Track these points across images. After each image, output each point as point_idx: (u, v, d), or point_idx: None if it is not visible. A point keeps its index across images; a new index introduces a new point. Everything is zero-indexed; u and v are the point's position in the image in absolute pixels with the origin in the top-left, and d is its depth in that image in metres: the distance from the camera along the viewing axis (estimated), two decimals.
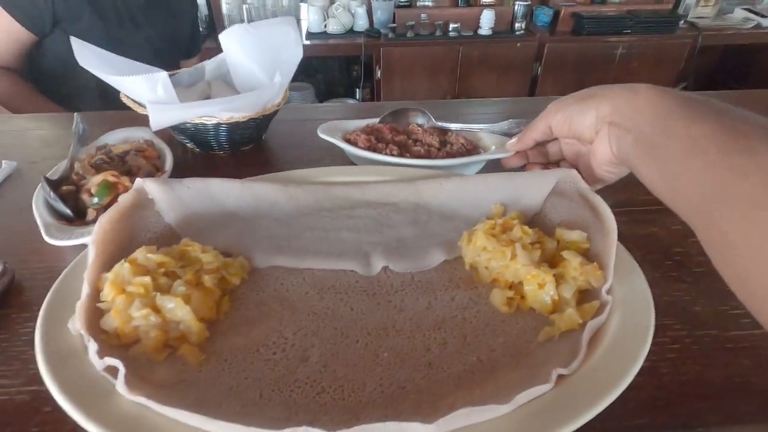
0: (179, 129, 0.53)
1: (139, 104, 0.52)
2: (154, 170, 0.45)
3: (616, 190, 0.48)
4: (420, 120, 0.53)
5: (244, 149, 0.58)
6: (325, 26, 2.15)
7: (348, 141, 0.49)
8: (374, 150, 0.46)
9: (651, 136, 0.29)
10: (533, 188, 0.39)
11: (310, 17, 2.18)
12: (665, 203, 0.29)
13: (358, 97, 2.27)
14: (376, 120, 0.54)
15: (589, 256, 0.33)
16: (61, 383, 0.24)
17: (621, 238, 0.40)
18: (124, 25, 0.91)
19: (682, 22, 2.15)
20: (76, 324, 0.28)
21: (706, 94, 0.72)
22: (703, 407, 0.27)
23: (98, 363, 0.25)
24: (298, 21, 2.35)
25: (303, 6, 2.30)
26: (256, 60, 0.56)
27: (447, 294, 0.33)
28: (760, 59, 2.29)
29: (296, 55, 0.55)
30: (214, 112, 0.48)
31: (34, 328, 0.31)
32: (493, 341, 0.29)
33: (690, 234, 0.41)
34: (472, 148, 0.49)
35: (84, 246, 0.36)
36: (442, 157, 0.46)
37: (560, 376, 0.25)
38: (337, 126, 0.51)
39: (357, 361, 0.28)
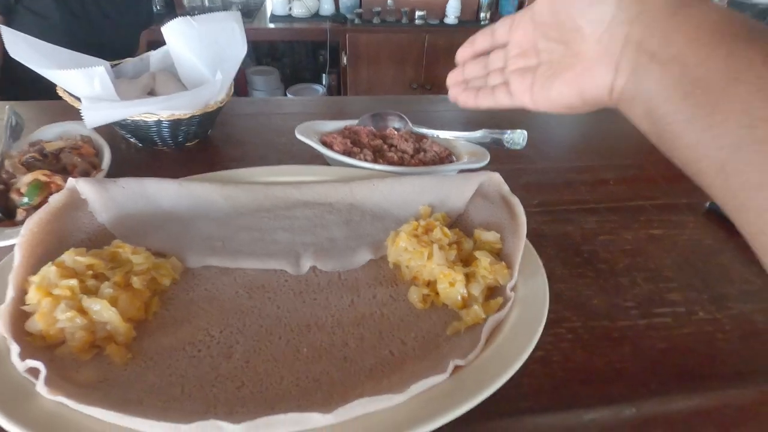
0: (120, 124, 0.52)
1: (77, 98, 0.51)
2: (90, 168, 0.45)
3: (546, 191, 0.52)
4: (397, 124, 0.55)
5: (189, 145, 0.58)
6: (290, 9, 2.11)
7: (324, 143, 0.50)
8: (349, 154, 0.48)
9: (702, 71, 0.19)
10: (458, 190, 0.42)
11: None
12: (679, 157, 0.21)
13: (324, 83, 2.24)
14: (355, 122, 0.55)
15: (501, 255, 0.37)
16: None
17: (540, 236, 0.44)
18: (85, 2, 0.94)
19: None
20: None
21: None
22: (583, 391, 0.30)
23: (20, 365, 0.26)
24: (263, 2, 2.28)
25: None
26: (198, 55, 0.55)
27: (369, 291, 0.35)
28: None
29: (240, 53, 0.56)
30: (154, 110, 0.48)
31: None
32: (405, 335, 0.32)
33: (599, 233, 0.45)
34: (445, 156, 0.50)
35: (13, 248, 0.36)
36: (415, 165, 0.48)
37: (458, 367, 0.28)
38: (313, 127, 0.52)
39: (278, 356, 0.30)
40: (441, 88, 2.16)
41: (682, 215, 0.48)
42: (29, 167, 0.42)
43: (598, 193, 0.51)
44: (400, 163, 0.49)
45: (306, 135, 0.51)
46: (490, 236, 0.37)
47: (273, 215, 0.42)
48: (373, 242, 0.39)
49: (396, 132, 0.54)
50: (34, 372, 0.26)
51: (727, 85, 0.18)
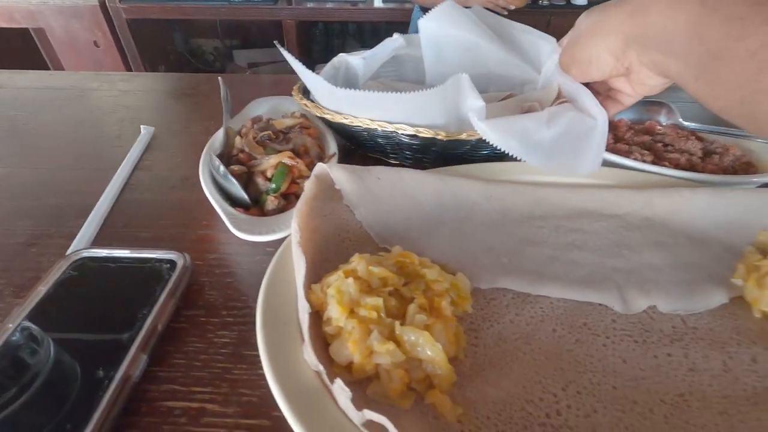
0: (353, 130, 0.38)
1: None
2: (320, 151, 0.39)
3: None
4: (662, 118, 0.44)
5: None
6: None
7: None
8: (616, 152, 0.38)
9: (698, 57, 0.23)
10: None
11: None
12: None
13: None
14: None
15: None
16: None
17: None
18: None
19: None
20: (311, 358, 0.22)
21: None
22: None
23: (356, 416, 0.20)
24: None
25: None
26: (492, 40, 0.43)
27: (743, 352, 0.25)
28: None
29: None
30: None
31: (232, 341, 0.27)
32: None
33: None
34: (746, 164, 0.39)
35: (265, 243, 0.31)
36: (713, 172, 0.37)
37: None
38: None
39: None
40: None
41: None
42: (265, 146, 0.37)
43: None
44: (690, 167, 0.38)
45: None
46: None
47: (553, 226, 0.33)
48: (712, 276, 0.29)
49: (659, 126, 0.43)
50: (371, 426, 0.20)
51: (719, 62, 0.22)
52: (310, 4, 2.01)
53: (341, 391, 0.20)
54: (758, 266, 0.28)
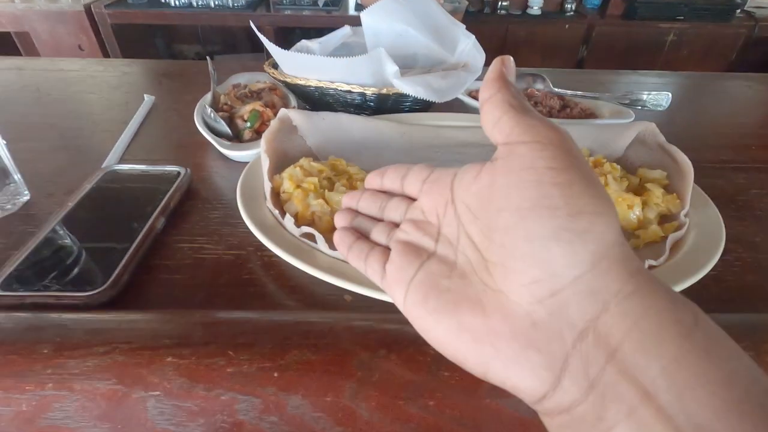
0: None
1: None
2: (284, 105, 0.53)
3: (689, 150, 0.53)
4: (539, 85, 0.60)
5: None
6: None
7: (473, 97, 0.56)
8: None
9: None
10: (617, 137, 0.46)
11: None
12: None
13: None
14: None
15: (668, 191, 0.40)
16: (278, 243, 0.33)
17: None
18: None
19: (739, 11, 2.11)
20: (270, 205, 0.36)
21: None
22: (761, 304, 0.34)
23: (296, 231, 0.34)
24: None
25: None
26: (419, 28, 0.58)
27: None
28: None
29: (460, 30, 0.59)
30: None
31: (219, 216, 0.40)
32: None
33: (751, 187, 0.47)
34: (589, 114, 0.55)
35: (235, 162, 0.45)
36: (564, 118, 0.53)
37: (650, 267, 0.32)
38: None
39: None
40: None
41: None
42: (243, 101, 0.51)
43: (742, 156, 0.53)
44: (548, 116, 0.53)
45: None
46: (656, 174, 0.41)
47: (444, 151, 0.48)
48: None
49: (538, 92, 0.59)
50: (308, 236, 0.34)
51: None
52: (287, 11, 2.15)
53: (288, 220, 0.34)
54: None
